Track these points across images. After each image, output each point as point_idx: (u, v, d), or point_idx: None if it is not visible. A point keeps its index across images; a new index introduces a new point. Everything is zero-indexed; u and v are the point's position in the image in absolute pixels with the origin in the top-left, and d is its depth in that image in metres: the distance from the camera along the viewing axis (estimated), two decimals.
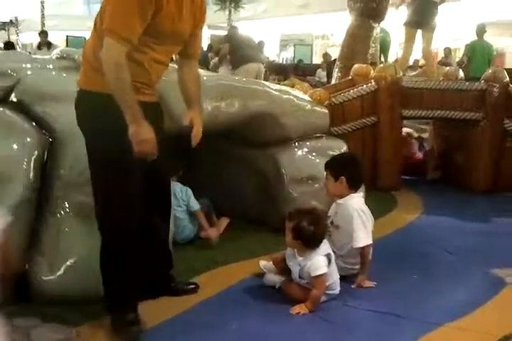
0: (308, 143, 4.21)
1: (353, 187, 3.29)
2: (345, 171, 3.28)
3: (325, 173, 3.38)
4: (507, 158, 5.41)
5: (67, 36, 12.08)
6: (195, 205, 3.74)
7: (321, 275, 2.85)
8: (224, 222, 3.94)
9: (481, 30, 10.15)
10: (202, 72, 4.64)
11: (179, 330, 2.61)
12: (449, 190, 5.48)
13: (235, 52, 8.70)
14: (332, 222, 3.26)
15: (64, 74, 3.39)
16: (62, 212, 2.88)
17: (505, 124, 5.38)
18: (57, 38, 14.14)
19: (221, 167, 4.39)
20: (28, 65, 3.45)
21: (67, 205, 2.90)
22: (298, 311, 2.79)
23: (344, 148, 4.33)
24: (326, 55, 15.86)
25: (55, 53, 3.79)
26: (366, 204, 3.31)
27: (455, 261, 3.59)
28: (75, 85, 3.28)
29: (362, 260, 3.19)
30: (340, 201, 3.29)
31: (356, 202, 3.27)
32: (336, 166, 3.35)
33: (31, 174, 2.91)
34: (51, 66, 3.50)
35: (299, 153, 4.15)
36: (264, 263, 3.20)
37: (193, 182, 4.15)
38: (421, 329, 2.63)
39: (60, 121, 3.09)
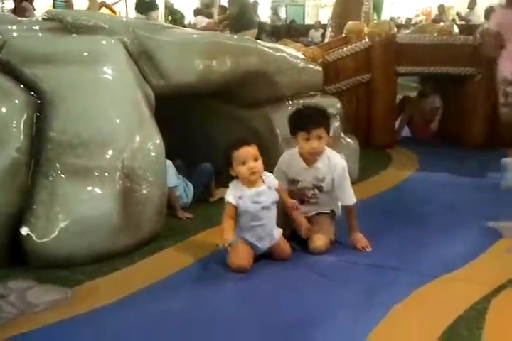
0: (301, 101, 4.15)
1: None
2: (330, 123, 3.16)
3: (316, 132, 3.01)
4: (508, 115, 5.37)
5: (53, 0, 11.83)
6: (170, 182, 3.43)
7: None
8: (219, 194, 3.89)
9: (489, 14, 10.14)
10: (192, 30, 4.58)
11: (181, 286, 2.64)
12: (445, 147, 5.48)
13: (242, 16, 8.44)
14: (321, 189, 3.11)
15: (51, 36, 3.32)
16: (55, 175, 2.86)
17: None
18: (44, 3, 13.84)
19: (215, 129, 4.35)
20: (14, 27, 3.37)
21: (59, 167, 2.87)
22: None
23: (338, 106, 4.29)
24: None
25: (41, 15, 3.70)
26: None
27: (450, 215, 3.59)
28: (63, 46, 3.24)
29: (351, 216, 3.11)
30: (319, 165, 3.07)
31: (337, 155, 3.14)
32: (328, 120, 3.14)
33: (21, 136, 2.87)
34: (37, 27, 3.42)
35: None
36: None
37: (188, 147, 4.13)
38: (417, 280, 2.65)
39: (49, 82, 3.04)
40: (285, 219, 3.05)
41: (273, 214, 2.93)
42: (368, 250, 3.02)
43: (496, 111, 5.34)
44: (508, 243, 3.14)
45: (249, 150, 2.82)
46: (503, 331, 2.27)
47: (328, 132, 3.07)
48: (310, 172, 3.10)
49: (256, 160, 2.83)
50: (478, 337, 2.20)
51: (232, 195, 2.85)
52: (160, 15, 12.52)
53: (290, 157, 3.17)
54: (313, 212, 3.17)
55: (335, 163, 3.08)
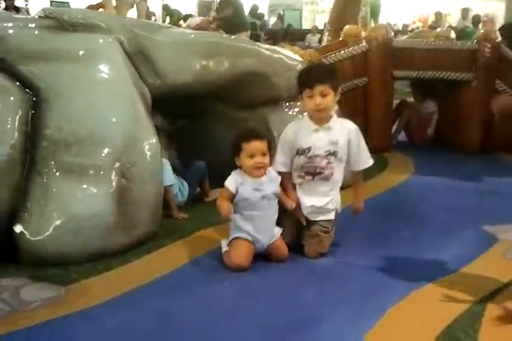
0: (298, 103, 4.14)
1: None
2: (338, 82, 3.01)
3: (319, 88, 2.88)
4: (498, 118, 5.38)
5: (50, 1, 11.82)
6: (166, 181, 3.43)
7: None
8: (214, 194, 3.88)
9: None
10: (189, 30, 4.57)
11: (177, 285, 2.61)
12: (441, 151, 5.48)
13: (236, 18, 8.44)
14: (335, 154, 2.93)
15: (47, 33, 3.30)
16: (50, 172, 2.83)
17: (497, 85, 5.33)
18: (42, 5, 13.83)
19: (212, 129, 4.33)
20: (10, 24, 3.35)
21: (54, 165, 2.85)
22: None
23: (335, 108, 4.27)
24: None
25: (37, 12, 3.68)
26: None
27: (447, 219, 3.59)
28: (60, 44, 3.22)
29: (358, 180, 3.15)
30: (330, 124, 2.95)
31: (347, 120, 3.06)
32: (335, 76, 3.00)
33: (16, 133, 2.85)
34: (34, 25, 3.40)
35: (289, 113, 4.09)
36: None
37: (185, 146, 4.11)
38: (414, 283, 2.63)
39: (45, 79, 3.02)
40: (289, 224, 3.02)
41: (274, 206, 2.89)
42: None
43: (491, 116, 5.35)
44: (505, 246, 3.14)
45: (259, 145, 2.81)
46: (499, 334, 2.25)
47: (335, 90, 2.93)
48: (322, 135, 2.94)
49: (264, 155, 2.82)
50: (474, 339, 2.19)
51: (233, 180, 2.84)
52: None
53: (297, 124, 3.06)
54: (317, 218, 3.01)
55: (347, 125, 3.00)
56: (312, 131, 2.95)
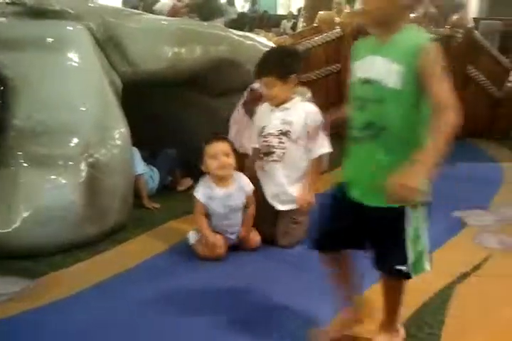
0: None
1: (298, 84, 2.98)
2: (296, 66, 2.94)
3: (264, 80, 2.92)
4: (469, 105, 5.41)
5: None
6: (138, 169, 3.42)
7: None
8: (186, 182, 3.89)
9: None
10: (161, 17, 4.52)
11: (147, 276, 2.61)
12: None
13: (209, 3, 8.35)
14: (288, 135, 2.90)
15: (14, 20, 3.23)
16: (17, 163, 2.79)
17: (468, 71, 5.37)
18: None
19: (184, 118, 4.30)
20: None
21: (22, 155, 2.81)
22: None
23: (308, 95, 4.27)
24: None
25: None
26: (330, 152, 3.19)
27: None
28: (27, 31, 3.15)
29: (311, 169, 2.95)
30: (287, 105, 2.93)
31: (310, 104, 2.99)
32: (284, 65, 2.90)
33: None
34: (0, 11, 3.33)
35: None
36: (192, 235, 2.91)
37: (155, 136, 4.07)
38: None
39: (13, 68, 2.98)
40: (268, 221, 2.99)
41: (241, 215, 2.89)
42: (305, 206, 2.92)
43: (461, 103, 5.39)
44: (472, 231, 3.18)
45: (221, 146, 2.79)
46: (465, 317, 2.28)
47: (283, 79, 2.88)
48: (277, 115, 2.94)
49: (227, 156, 2.79)
50: (441, 323, 2.22)
51: (201, 192, 2.81)
52: None
53: (264, 104, 3.06)
54: (284, 208, 2.96)
55: (307, 108, 2.94)
56: (269, 111, 2.99)
